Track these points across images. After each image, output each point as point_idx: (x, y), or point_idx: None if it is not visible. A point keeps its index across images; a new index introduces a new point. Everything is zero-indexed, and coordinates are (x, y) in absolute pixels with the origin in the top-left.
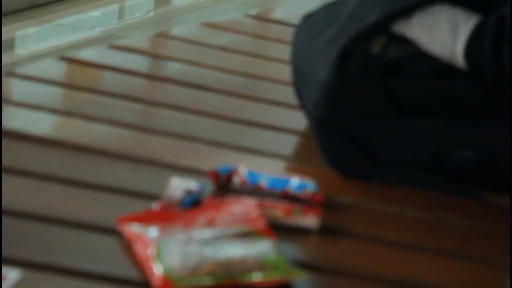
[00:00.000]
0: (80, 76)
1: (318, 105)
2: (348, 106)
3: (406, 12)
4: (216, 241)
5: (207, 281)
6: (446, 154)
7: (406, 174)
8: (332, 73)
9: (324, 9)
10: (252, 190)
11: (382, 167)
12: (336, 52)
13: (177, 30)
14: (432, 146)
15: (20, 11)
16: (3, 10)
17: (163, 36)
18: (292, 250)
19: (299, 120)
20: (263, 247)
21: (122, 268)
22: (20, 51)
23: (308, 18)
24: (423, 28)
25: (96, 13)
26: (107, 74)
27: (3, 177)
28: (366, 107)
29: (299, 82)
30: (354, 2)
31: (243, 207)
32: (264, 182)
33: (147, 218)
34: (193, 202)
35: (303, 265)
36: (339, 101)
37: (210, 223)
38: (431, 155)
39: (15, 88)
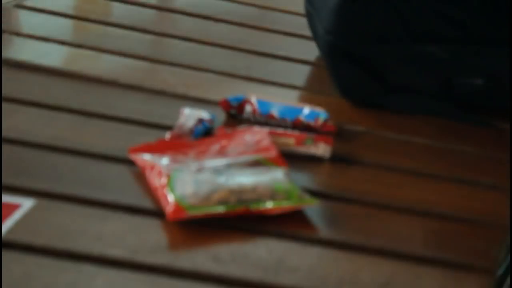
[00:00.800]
0: (89, 8)
1: (330, 30)
2: (359, 29)
3: None
4: (228, 169)
5: (219, 209)
6: (456, 81)
7: (417, 103)
8: None
9: None
10: (264, 119)
11: (392, 95)
12: None
13: None
14: (442, 72)
15: None
16: None
17: None
18: (304, 178)
19: (310, 50)
20: (275, 175)
21: (135, 197)
22: None
23: None
24: None
25: None
26: (116, 5)
27: (14, 108)
28: (377, 31)
29: (311, 10)
30: None
31: (254, 136)
32: (275, 111)
33: (159, 147)
34: (205, 131)
35: (315, 193)
36: (351, 25)
37: (222, 152)
38: (441, 81)
39: (24, 20)
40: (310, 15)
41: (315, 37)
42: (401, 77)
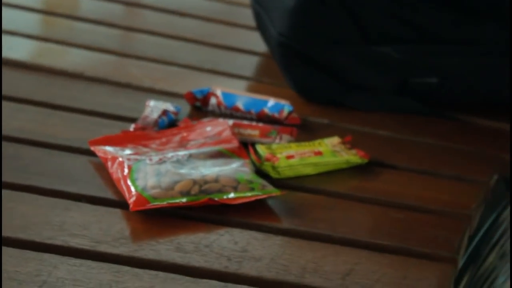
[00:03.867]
0: (57, 2)
1: (283, 32)
2: (314, 31)
3: None
4: (190, 160)
5: (182, 199)
6: (412, 81)
7: (377, 99)
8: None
9: None
10: (229, 111)
11: (351, 93)
12: None
13: None
14: (398, 72)
15: None
16: None
17: None
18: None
19: None
20: (237, 166)
21: (98, 189)
22: None
23: None
24: None
25: None
26: (83, 0)
27: None
28: (332, 33)
29: (260, 9)
30: None
31: (216, 127)
32: (240, 103)
33: (122, 139)
34: (170, 123)
35: (278, 183)
36: (306, 27)
37: (184, 143)
38: (397, 81)
39: None
40: (258, 15)
41: (265, 38)
42: (358, 77)
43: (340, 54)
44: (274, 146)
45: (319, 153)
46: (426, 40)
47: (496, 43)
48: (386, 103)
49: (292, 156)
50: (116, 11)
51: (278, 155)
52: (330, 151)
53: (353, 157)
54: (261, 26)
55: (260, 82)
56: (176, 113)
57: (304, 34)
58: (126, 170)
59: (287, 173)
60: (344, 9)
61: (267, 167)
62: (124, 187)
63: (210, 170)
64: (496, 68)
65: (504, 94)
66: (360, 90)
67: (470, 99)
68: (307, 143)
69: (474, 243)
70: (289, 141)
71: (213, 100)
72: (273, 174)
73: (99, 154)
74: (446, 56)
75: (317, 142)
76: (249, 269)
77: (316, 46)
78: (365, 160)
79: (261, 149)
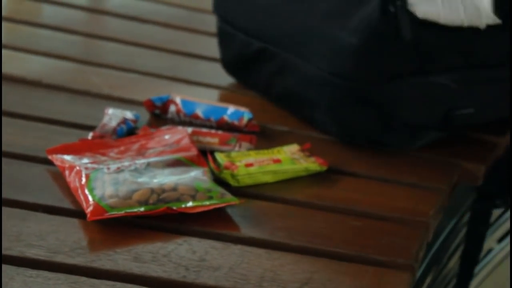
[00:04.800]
0: (18, 8)
1: (340, 71)
2: (376, 69)
3: None
4: (148, 169)
5: (140, 208)
6: (451, 114)
7: (417, 138)
8: (364, 37)
9: None
10: (189, 119)
11: (392, 131)
12: (372, 10)
13: None
14: (444, 103)
15: None
16: None
17: None
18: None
19: None
20: (195, 175)
21: (55, 198)
22: None
23: None
24: None
25: None
26: (44, 6)
27: None
28: (396, 67)
29: (272, 47)
30: None
31: (174, 135)
32: (200, 111)
33: (79, 147)
34: (128, 131)
35: (237, 192)
36: (369, 66)
37: (142, 151)
38: (442, 113)
39: None
40: (263, 51)
41: (272, 79)
42: (407, 112)
43: (395, 89)
44: (233, 154)
45: (278, 161)
46: (474, 66)
47: None
48: (426, 140)
49: (251, 164)
50: (77, 17)
51: (237, 163)
52: (289, 159)
53: (312, 164)
54: (258, 65)
55: (219, 89)
56: (135, 121)
57: (367, 73)
58: (83, 179)
59: (247, 181)
60: (409, 42)
61: (226, 175)
62: (82, 197)
63: (168, 178)
64: None
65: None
66: (404, 129)
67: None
68: (266, 151)
69: (433, 250)
70: (249, 149)
71: (172, 108)
72: (232, 182)
73: (57, 163)
74: (486, 83)
75: (276, 149)
76: (207, 278)
77: (375, 83)
78: (324, 168)
79: (220, 157)
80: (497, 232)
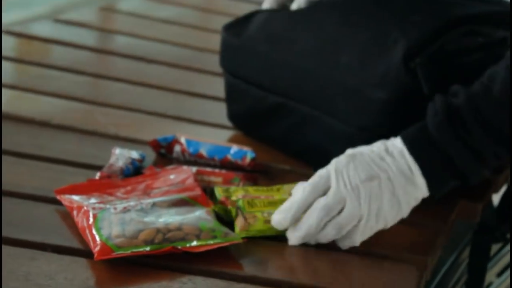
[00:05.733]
0: (27, 50)
1: (370, 125)
2: (407, 123)
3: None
4: (154, 208)
5: (146, 248)
6: None
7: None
8: (391, 91)
9: (274, 19)
10: (193, 158)
11: None
12: (395, 65)
13: (121, 4)
14: None
15: None
16: None
17: (108, 10)
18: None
19: None
20: (200, 214)
21: (64, 238)
22: None
23: (241, 26)
24: None
25: None
26: (53, 47)
27: None
28: (419, 120)
29: (290, 96)
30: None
31: (179, 175)
32: (204, 150)
33: (87, 187)
34: (135, 171)
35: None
36: (400, 119)
37: (148, 191)
38: None
39: None
40: (279, 106)
41: (295, 137)
42: None
43: None
44: (232, 189)
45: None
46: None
47: None
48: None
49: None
50: (85, 58)
51: (233, 197)
52: None
53: None
54: (273, 119)
55: (223, 128)
56: (141, 161)
57: (396, 127)
58: (91, 219)
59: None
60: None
61: (219, 209)
62: (89, 236)
63: (173, 218)
64: None
65: None
66: None
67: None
68: (264, 188)
69: (432, 286)
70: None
71: (177, 148)
72: (225, 217)
73: (65, 203)
74: None
75: (275, 187)
76: None
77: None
78: None
79: (218, 191)
80: (497, 266)
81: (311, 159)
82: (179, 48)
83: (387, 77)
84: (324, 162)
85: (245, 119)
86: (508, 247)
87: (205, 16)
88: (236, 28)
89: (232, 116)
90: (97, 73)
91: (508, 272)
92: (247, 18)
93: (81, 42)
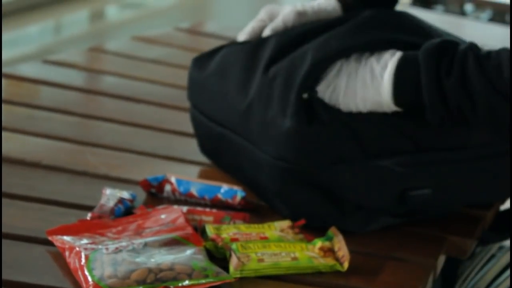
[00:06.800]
0: (15, 91)
1: (281, 156)
2: (315, 153)
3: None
4: (146, 248)
5: None
6: (407, 194)
7: (371, 220)
8: (298, 121)
9: (227, 54)
10: (184, 197)
11: (346, 216)
12: (293, 100)
13: (109, 44)
14: (396, 186)
15: None
16: None
17: (96, 50)
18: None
19: None
20: (191, 253)
21: (56, 279)
22: None
23: (206, 60)
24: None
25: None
26: (42, 88)
27: None
28: (332, 152)
29: (229, 133)
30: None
31: (171, 215)
32: (194, 190)
33: (78, 228)
34: (126, 210)
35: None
36: (306, 149)
37: (139, 231)
38: (394, 195)
39: None
40: (221, 137)
41: (234, 164)
42: (357, 195)
43: (341, 173)
44: (223, 227)
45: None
46: (422, 149)
47: (482, 146)
48: (382, 223)
49: (237, 239)
50: (74, 98)
51: (223, 235)
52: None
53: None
54: (222, 148)
55: (213, 168)
56: (132, 201)
57: (304, 156)
58: (83, 260)
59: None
60: (343, 126)
61: (210, 246)
62: (82, 277)
63: (165, 258)
64: (484, 171)
65: (489, 195)
66: (357, 212)
67: (459, 205)
68: (256, 225)
69: None
70: None
71: (167, 187)
72: (216, 254)
73: (57, 244)
74: (440, 164)
75: (266, 224)
76: None
77: (318, 167)
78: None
79: (209, 229)
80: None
81: (253, 189)
82: (167, 88)
83: (288, 107)
84: (260, 193)
85: (208, 151)
86: (507, 273)
87: (192, 56)
88: (202, 61)
89: (201, 149)
90: (86, 114)
91: (507, 273)
92: (214, 52)
93: (70, 83)
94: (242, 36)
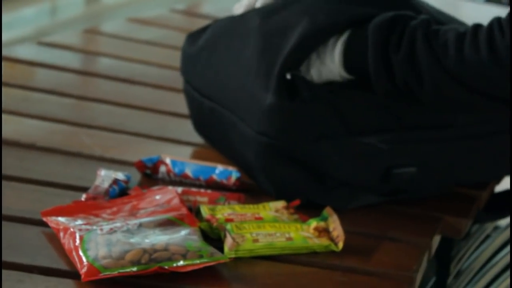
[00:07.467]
0: (11, 73)
1: (263, 131)
2: (297, 128)
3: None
4: (140, 229)
5: (132, 268)
6: (392, 172)
7: (354, 198)
8: (279, 97)
9: (218, 27)
10: (178, 178)
11: (331, 193)
12: (275, 76)
13: (105, 26)
14: (380, 163)
15: None
16: None
17: (91, 32)
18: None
19: None
20: (186, 234)
21: (51, 259)
22: None
23: (198, 35)
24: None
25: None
26: (38, 70)
27: None
28: (315, 129)
29: (217, 106)
30: (263, 15)
31: (165, 195)
32: (189, 170)
33: (73, 209)
34: (120, 192)
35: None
36: (288, 125)
37: (133, 212)
38: (379, 172)
39: None
40: (212, 111)
41: (221, 137)
42: (341, 172)
43: (323, 149)
44: (218, 207)
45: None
46: (407, 127)
47: (469, 126)
48: (365, 201)
49: (232, 219)
50: (69, 80)
51: (218, 216)
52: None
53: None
54: (213, 124)
55: (208, 148)
56: (126, 182)
57: (286, 132)
58: (77, 241)
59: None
60: (327, 103)
61: (205, 226)
62: (76, 258)
63: (159, 238)
64: (470, 151)
65: (475, 176)
66: (341, 188)
67: (447, 185)
68: (251, 206)
69: None
70: None
71: (162, 168)
72: (211, 235)
73: (51, 224)
74: (425, 143)
75: (261, 205)
76: None
77: (299, 143)
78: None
79: (204, 210)
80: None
81: (240, 166)
82: (162, 69)
83: (271, 82)
84: (246, 169)
85: (200, 127)
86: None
87: None
88: (194, 36)
89: (194, 125)
90: (82, 95)
91: (503, 252)
92: (207, 27)
93: (65, 65)
94: (238, 9)
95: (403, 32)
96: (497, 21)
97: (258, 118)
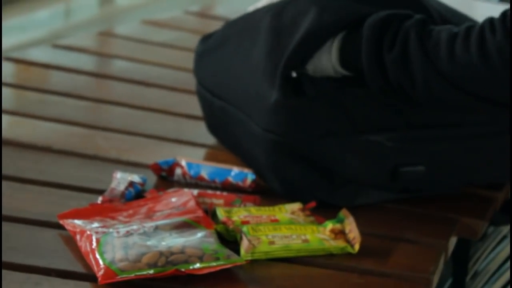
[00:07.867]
0: (26, 76)
1: (270, 128)
2: (303, 126)
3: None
4: (157, 231)
5: (149, 271)
6: (400, 170)
7: (362, 195)
8: (285, 94)
9: (233, 25)
10: (194, 181)
11: (338, 191)
12: (280, 73)
13: (119, 29)
14: (388, 161)
15: None
16: None
17: (106, 34)
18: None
19: None
20: (202, 236)
21: (67, 262)
22: None
23: (211, 36)
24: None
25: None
26: (52, 73)
27: None
28: (321, 126)
29: (225, 104)
30: (273, 14)
31: (182, 198)
32: (205, 173)
33: (89, 212)
34: (136, 194)
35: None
36: (294, 122)
37: (150, 214)
38: (387, 171)
39: None
40: (222, 109)
41: (231, 135)
42: (348, 170)
43: (330, 147)
44: (234, 209)
45: (275, 220)
46: (415, 126)
47: (478, 125)
48: (373, 198)
49: (248, 222)
50: (84, 83)
51: (234, 218)
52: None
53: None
54: (224, 123)
55: (223, 150)
56: (142, 184)
57: (292, 129)
58: (94, 243)
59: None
60: (334, 101)
61: (221, 229)
62: (93, 260)
63: (176, 241)
64: (480, 151)
65: (486, 176)
66: (349, 186)
67: (459, 184)
68: (266, 208)
69: None
70: None
71: (178, 171)
72: (228, 237)
73: (68, 227)
74: (433, 141)
75: (277, 207)
76: None
77: (306, 140)
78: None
79: (220, 212)
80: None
81: (250, 165)
82: (177, 71)
83: (276, 79)
84: (256, 167)
85: (212, 127)
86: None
87: None
88: (207, 38)
89: (207, 125)
90: (97, 98)
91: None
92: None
93: (80, 67)
94: (260, 4)
95: (398, 31)
96: (489, 21)
97: (264, 115)
